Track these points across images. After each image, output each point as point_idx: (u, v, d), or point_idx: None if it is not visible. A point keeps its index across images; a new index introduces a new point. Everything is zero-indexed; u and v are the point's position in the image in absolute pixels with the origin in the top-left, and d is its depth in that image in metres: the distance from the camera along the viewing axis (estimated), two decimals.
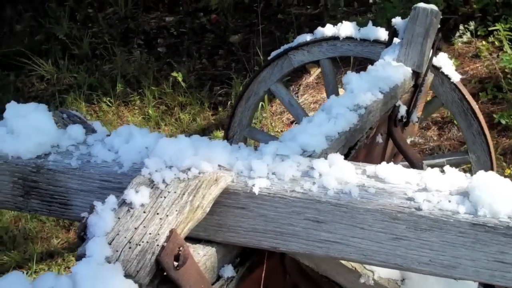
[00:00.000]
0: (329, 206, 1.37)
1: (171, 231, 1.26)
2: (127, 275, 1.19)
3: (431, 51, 3.00)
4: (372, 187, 1.39)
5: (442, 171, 1.44)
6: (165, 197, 1.28)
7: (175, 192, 1.29)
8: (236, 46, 6.75)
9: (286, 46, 3.61)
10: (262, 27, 6.83)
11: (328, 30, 3.47)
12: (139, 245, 1.22)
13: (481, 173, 1.37)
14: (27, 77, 6.75)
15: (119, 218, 1.24)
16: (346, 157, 2.26)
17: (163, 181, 1.31)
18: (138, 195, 1.26)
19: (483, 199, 1.30)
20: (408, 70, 2.88)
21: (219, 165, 1.42)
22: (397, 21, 3.05)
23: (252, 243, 1.46)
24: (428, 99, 3.63)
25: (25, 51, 6.82)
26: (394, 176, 1.42)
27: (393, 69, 2.79)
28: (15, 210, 1.63)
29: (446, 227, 1.31)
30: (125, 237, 1.22)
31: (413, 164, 2.84)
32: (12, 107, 1.62)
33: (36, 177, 1.54)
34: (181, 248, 1.27)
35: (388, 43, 3.06)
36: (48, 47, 7.08)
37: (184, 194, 1.30)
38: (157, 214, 1.26)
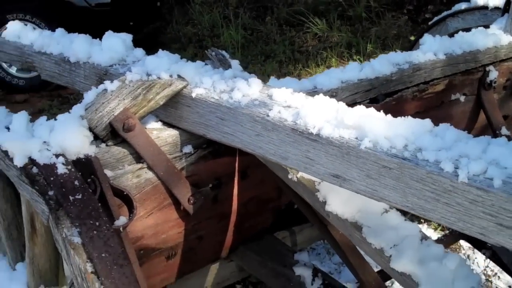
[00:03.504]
0: (226, 109, 2.03)
1: (125, 109, 2.10)
2: (89, 127, 2.07)
3: None
4: (258, 101, 2.00)
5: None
6: (126, 88, 2.11)
7: (132, 87, 2.11)
8: None
9: (445, 13, 3.94)
10: None
11: None
12: (101, 112, 2.08)
13: (308, 97, 1.90)
14: (304, 33, 7.82)
15: (97, 95, 2.11)
16: (378, 101, 2.74)
17: (131, 80, 2.13)
18: (111, 85, 2.11)
19: (303, 113, 1.83)
20: (505, 39, 3.09)
21: (179, 76, 2.18)
22: None
23: (194, 131, 2.19)
24: None
25: (305, 10, 7.89)
26: (281, 97, 1.99)
27: (483, 36, 3.05)
28: None
29: (279, 129, 1.87)
30: (95, 107, 2.09)
31: (492, 126, 3.08)
32: (108, 34, 2.59)
33: (105, 77, 2.49)
34: (129, 119, 2.09)
35: (502, 13, 3.27)
36: (326, 8, 8.04)
37: (139, 88, 2.11)
38: (118, 97, 2.09)
